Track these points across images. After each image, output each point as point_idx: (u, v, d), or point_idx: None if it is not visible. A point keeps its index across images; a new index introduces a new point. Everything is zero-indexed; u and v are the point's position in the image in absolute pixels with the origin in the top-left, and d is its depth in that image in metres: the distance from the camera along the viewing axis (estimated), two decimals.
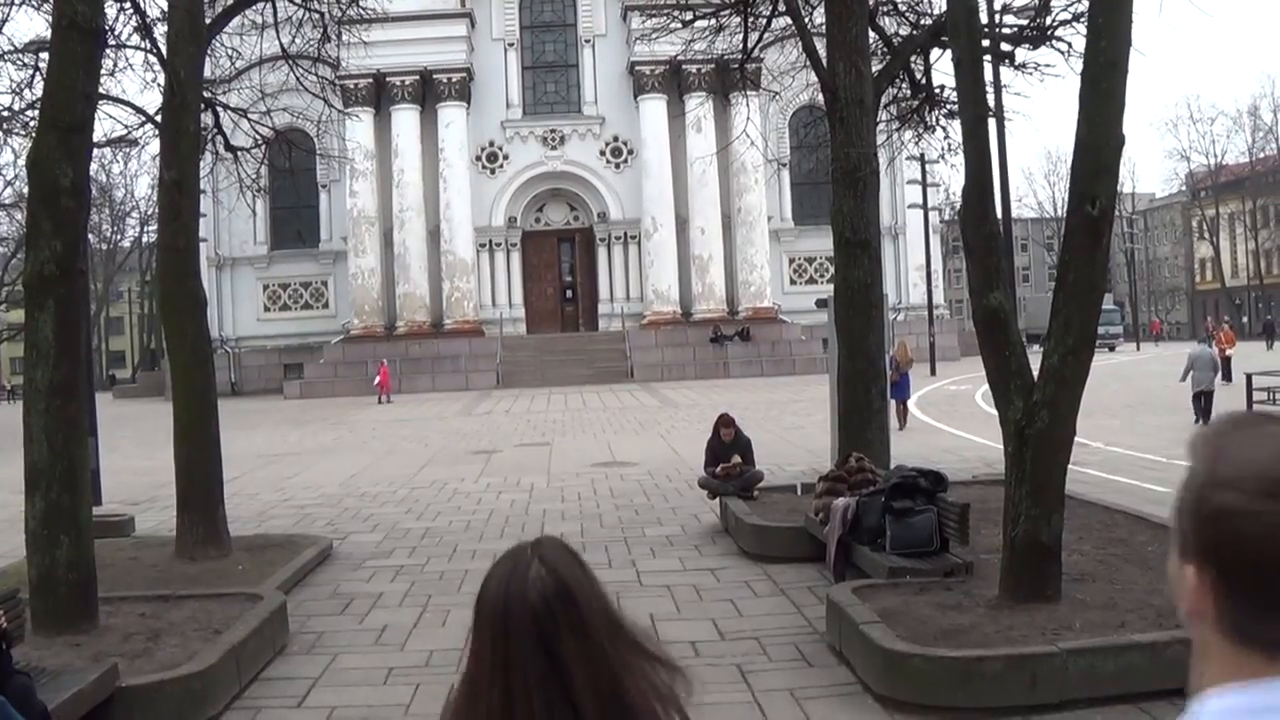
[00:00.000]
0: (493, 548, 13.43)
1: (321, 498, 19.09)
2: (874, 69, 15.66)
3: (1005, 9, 19.90)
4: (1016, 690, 7.30)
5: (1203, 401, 26.89)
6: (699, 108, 52.72)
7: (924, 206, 53.00)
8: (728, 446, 15.30)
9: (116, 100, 17.26)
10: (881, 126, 18.52)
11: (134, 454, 26.68)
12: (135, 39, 16.39)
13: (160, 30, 15.15)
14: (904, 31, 19.09)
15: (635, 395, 43.09)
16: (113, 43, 15.12)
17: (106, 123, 35.12)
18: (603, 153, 59.10)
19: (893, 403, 26.55)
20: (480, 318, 56.90)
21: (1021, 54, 18.86)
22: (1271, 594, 1.38)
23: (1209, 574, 1.42)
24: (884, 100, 17.76)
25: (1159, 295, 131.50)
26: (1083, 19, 14.52)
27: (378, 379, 47.01)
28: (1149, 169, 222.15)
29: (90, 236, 56.97)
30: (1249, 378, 27.08)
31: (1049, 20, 17.66)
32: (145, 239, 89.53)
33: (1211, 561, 1.42)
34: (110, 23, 14.18)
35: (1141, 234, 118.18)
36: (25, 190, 19.53)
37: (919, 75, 18.85)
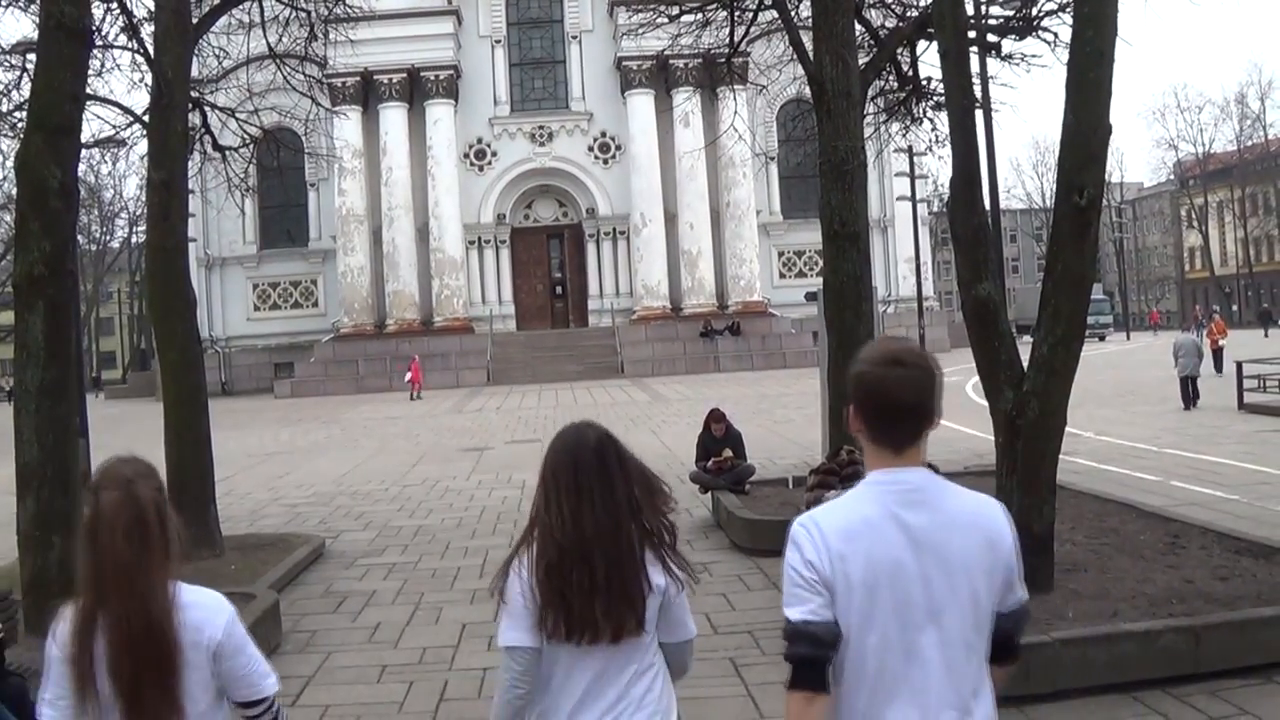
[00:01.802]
0: (485, 544, 13.46)
1: (313, 496, 19.08)
2: (861, 61, 15.64)
3: (991, 0, 19.92)
4: (1010, 680, 7.29)
5: (1189, 387, 27.12)
6: (686, 102, 52.65)
7: (912, 198, 53.11)
8: (719, 441, 15.30)
9: (104, 101, 17.24)
10: (869, 119, 18.53)
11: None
12: (122, 39, 16.37)
13: (147, 30, 15.14)
14: (890, 24, 19.06)
15: (626, 390, 43.08)
16: (100, 43, 15.07)
17: (94, 123, 35.04)
18: (591, 148, 59.06)
19: None
20: (470, 315, 56.88)
21: (1008, 45, 18.87)
22: (880, 414, 2.91)
23: (856, 408, 2.95)
24: (871, 93, 17.75)
25: (1148, 284, 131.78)
26: (1069, 9, 14.55)
27: (409, 375, 46.83)
28: (1137, 158, 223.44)
29: (79, 237, 56.75)
30: (1239, 365, 27.14)
31: (1035, 10, 17.67)
32: (134, 239, 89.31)
33: (856, 400, 2.94)
34: (97, 23, 14.13)
35: (1130, 223, 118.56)
36: (13, 192, 19.49)
37: (906, 67, 18.84)
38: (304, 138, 30.03)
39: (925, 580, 2.83)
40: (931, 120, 19.96)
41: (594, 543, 3.35)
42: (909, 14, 18.78)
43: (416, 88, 56.63)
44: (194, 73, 15.49)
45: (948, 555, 2.85)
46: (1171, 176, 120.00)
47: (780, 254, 61.38)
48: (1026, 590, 3.06)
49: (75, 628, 3.15)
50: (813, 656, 2.81)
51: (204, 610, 3.22)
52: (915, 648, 2.84)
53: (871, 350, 2.97)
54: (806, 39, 15.20)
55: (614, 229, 58.48)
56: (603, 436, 3.53)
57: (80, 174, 12.78)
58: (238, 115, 18.59)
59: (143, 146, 17.80)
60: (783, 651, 2.87)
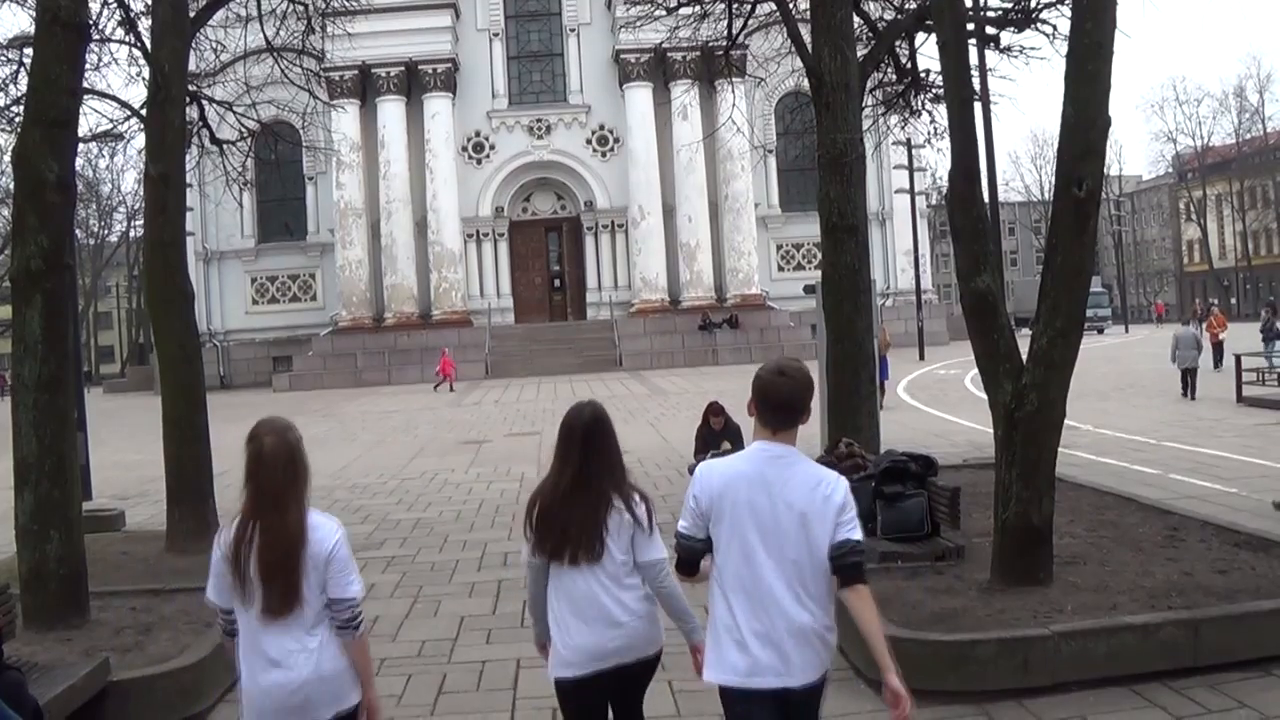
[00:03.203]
0: (484, 538, 13.45)
1: (311, 490, 19.03)
2: (859, 54, 15.62)
3: None
4: (1009, 673, 7.31)
5: (1187, 379, 27.25)
6: (685, 95, 52.56)
7: (911, 191, 53.01)
8: (718, 434, 15.29)
9: (101, 95, 17.20)
10: (867, 111, 18.49)
11: (123, 448, 26.63)
12: (119, 33, 16.32)
13: (144, 24, 15.09)
14: (888, 16, 19.02)
15: (624, 383, 43.07)
16: (97, 37, 15.04)
17: (92, 117, 35.09)
18: (589, 141, 59.01)
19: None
20: (468, 308, 56.86)
21: (1006, 37, 18.80)
22: (766, 406, 4.38)
23: (752, 400, 4.41)
24: (869, 85, 17.72)
25: (1147, 277, 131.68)
26: (1067, 1, 14.51)
27: (438, 367, 46.75)
28: (1135, 151, 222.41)
29: (77, 231, 56.72)
30: (1238, 359, 27.18)
31: (1034, 3, 17.63)
32: (132, 234, 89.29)
33: (753, 395, 4.40)
34: (94, 17, 14.10)
35: (1129, 216, 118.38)
36: (10, 186, 19.44)
37: (904, 60, 18.81)
38: (302, 131, 29.83)
39: (774, 515, 4.28)
40: (930, 113, 19.95)
41: (569, 494, 4.81)
42: (907, 6, 18.74)
43: (414, 81, 56.56)
44: (191, 66, 15.45)
45: (791, 500, 4.29)
46: (1170, 169, 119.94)
47: (779, 247, 61.37)
48: (862, 534, 4.37)
49: (235, 536, 4.42)
50: (687, 557, 4.46)
51: (324, 530, 4.51)
52: (762, 559, 4.28)
53: (768, 363, 4.47)
54: (805, 31, 15.19)
55: (612, 222, 58.43)
56: (595, 415, 4.94)
57: (78, 168, 12.77)
58: (235, 109, 18.52)
59: (140, 140, 17.79)
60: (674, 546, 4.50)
